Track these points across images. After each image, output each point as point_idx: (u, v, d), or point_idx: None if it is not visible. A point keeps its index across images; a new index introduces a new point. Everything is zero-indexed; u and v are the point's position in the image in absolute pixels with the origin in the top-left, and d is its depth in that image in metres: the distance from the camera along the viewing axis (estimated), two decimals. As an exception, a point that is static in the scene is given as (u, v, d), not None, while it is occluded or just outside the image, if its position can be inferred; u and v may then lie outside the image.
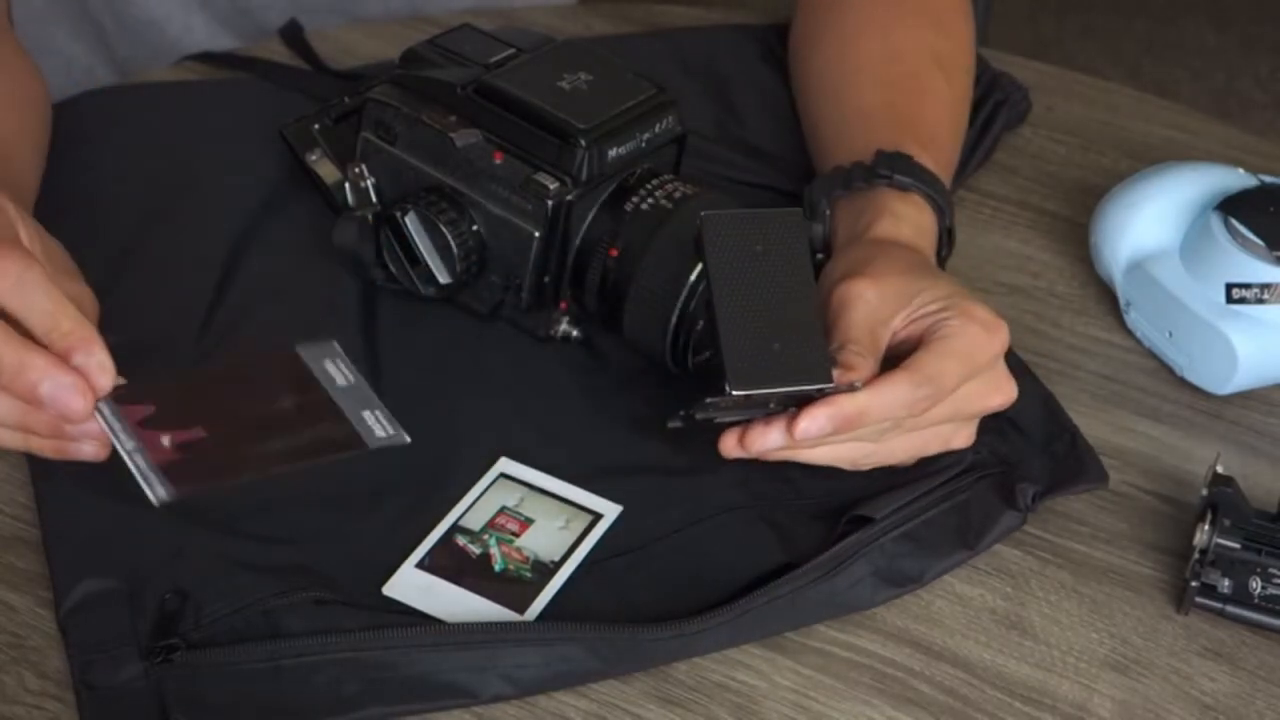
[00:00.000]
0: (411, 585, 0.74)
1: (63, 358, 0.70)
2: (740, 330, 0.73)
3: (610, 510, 0.78)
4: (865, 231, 0.85)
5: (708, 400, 0.72)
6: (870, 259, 0.81)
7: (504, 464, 0.80)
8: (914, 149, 0.88)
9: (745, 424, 0.74)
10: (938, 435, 0.79)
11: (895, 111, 0.94)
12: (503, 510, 0.78)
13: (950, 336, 0.76)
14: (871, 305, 0.78)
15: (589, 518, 0.78)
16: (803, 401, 0.73)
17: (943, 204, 0.87)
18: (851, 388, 0.73)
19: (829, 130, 0.97)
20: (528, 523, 0.78)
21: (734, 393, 0.72)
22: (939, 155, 0.91)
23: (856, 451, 0.77)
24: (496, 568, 0.75)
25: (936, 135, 0.93)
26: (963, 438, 0.80)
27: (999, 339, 0.77)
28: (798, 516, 0.79)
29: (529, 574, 0.75)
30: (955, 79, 0.98)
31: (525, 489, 0.79)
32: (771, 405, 0.73)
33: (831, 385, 0.73)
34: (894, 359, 0.77)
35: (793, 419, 0.73)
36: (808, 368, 0.73)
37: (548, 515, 0.78)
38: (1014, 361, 0.89)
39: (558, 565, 0.76)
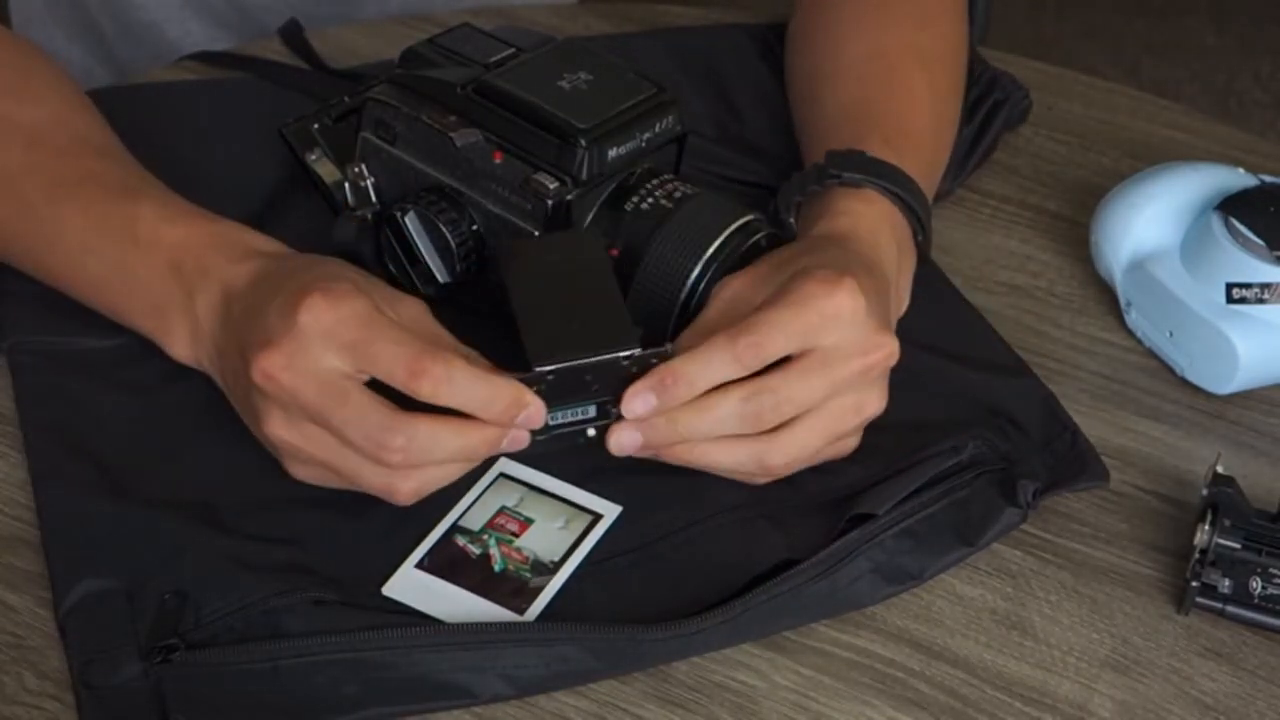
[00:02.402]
0: (411, 585, 0.74)
1: (505, 424, 0.73)
2: (538, 320, 0.75)
3: (610, 510, 0.78)
4: (804, 235, 0.85)
5: (520, 378, 0.73)
6: (760, 260, 0.81)
7: (503, 464, 0.80)
8: (876, 145, 0.88)
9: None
10: (840, 409, 0.77)
11: (866, 109, 0.94)
12: (502, 510, 0.78)
13: (781, 295, 0.76)
14: (730, 293, 0.78)
15: (589, 518, 0.78)
16: (625, 384, 0.74)
17: (901, 193, 0.86)
18: (663, 352, 0.74)
19: (808, 132, 0.97)
20: (527, 523, 0.78)
21: (536, 369, 0.73)
22: (912, 149, 0.91)
23: (752, 449, 0.76)
24: (496, 568, 0.75)
25: (910, 130, 0.93)
26: (872, 402, 0.78)
27: (838, 291, 0.75)
28: (797, 513, 0.79)
29: (529, 574, 0.75)
30: (939, 74, 0.98)
31: (524, 489, 0.79)
32: (594, 390, 0.74)
33: (638, 351, 0.73)
34: None
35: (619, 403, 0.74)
36: (610, 336, 0.74)
37: (547, 515, 0.78)
38: (1014, 361, 0.89)
39: (558, 565, 0.76)
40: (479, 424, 0.72)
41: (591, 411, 0.75)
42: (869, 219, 0.85)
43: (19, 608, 0.73)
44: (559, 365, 0.73)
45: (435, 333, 0.76)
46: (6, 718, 0.69)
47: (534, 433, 0.74)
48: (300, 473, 0.75)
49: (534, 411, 0.73)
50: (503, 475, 0.80)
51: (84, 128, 0.90)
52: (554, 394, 0.73)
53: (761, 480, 0.78)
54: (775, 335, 0.74)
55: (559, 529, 0.77)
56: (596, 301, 0.76)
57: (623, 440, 0.75)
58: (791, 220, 0.87)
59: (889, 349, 0.77)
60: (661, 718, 0.72)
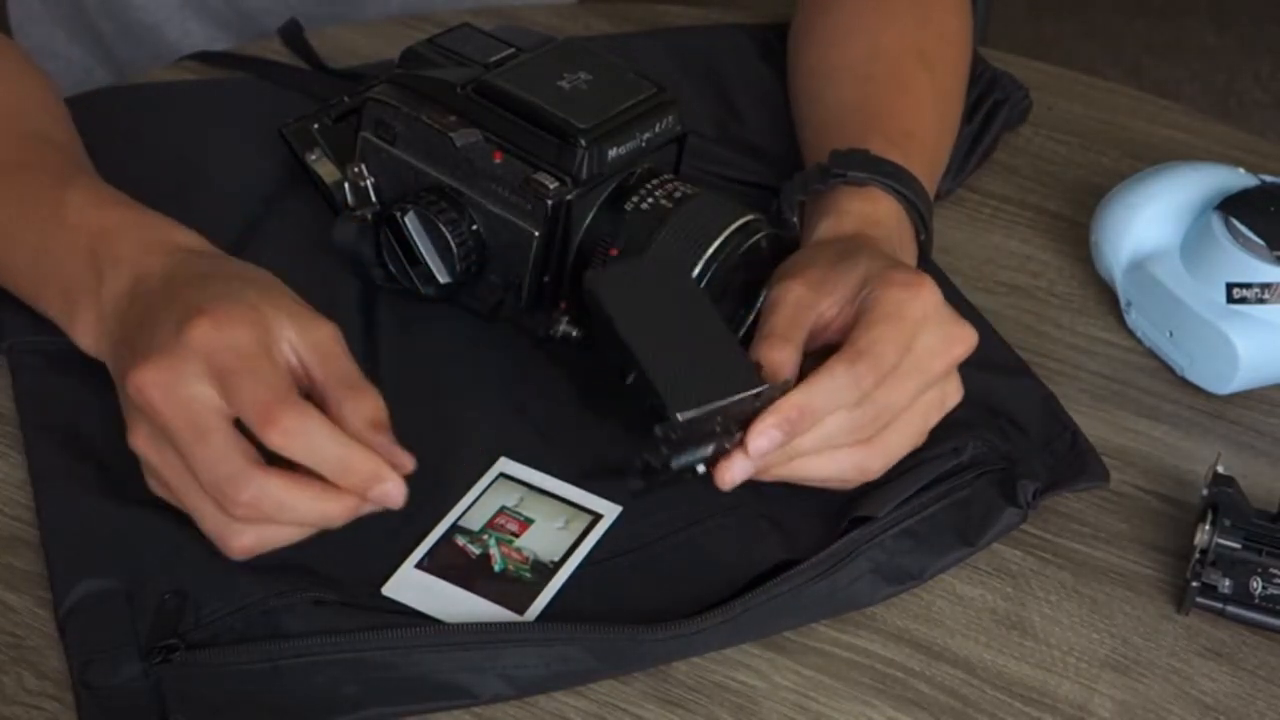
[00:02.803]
0: (411, 585, 0.74)
1: (359, 496, 0.70)
2: (663, 363, 0.73)
3: (610, 510, 0.78)
4: (811, 235, 0.85)
5: (657, 433, 0.71)
6: (798, 261, 0.81)
7: (503, 464, 0.80)
8: (879, 144, 0.88)
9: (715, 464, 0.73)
10: (927, 406, 0.78)
11: (868, 108, 0.94)
12: (502, 510, 0.78)
13: (873, 306, 0.76)
14: (794, 298, 0.77)
15: (589, 518, 0.78)
16: (747, 421, 0.73)
17: (905, 191, 0.87)
18: (786, 385, 0.73)
19: (809, 131, 0.97)
20: (527, 523, 0.78)
21: (679, 417, 0.71)
22: (916, 148, 0.91)
23: (853, 457, 0.76)
24: (496, 568, 0.75)
25: (913, 129, 0.93)
26: (953, 393, 0.79)
27: (922, 293, 0.76)
28: (798, 514, 0.79)
29: (529, 574, 0.75)
30: (941, 73, 0.98)
31: (525, 489, 0.79)
32: (717, 429, 0.72)
33: (765, 387, 0.73)
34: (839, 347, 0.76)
35: (744, 440, 0.72)
36: (735, 378, 0.73)
37: (547, 515, 0.78)
38: (1014, 361, 0.89)
39: (558, 565, 0.76)
40: (336, 492, 0.69)
41: (709, 451, 0.73)
42: (872, 218, 0.85)
43: (19, 608, 0.73)
44: (698, 411, 0.71)
45: (341, 368, 0.72)
46: (6, 718, 0.69)
47: (657, 474, 0.72)
48: (155, 488, 0.73)
49: (392, 490, 0.69)
50: (503, 475, 0.80)
51: (33, 119, 0.89)
52: (685, 439, 0.72)
53: (855, 484, 0.78)
54: (888, 353, 0.75)
55: (559, 529, 0.77)
56: (712, 339, 0.74)
57: (735, 474, 0.72)
58: (795, 219, 0.87)
59: (970, 340, 0.78)
60: (661, 718, 0.72)
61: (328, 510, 0.70)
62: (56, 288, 0.80)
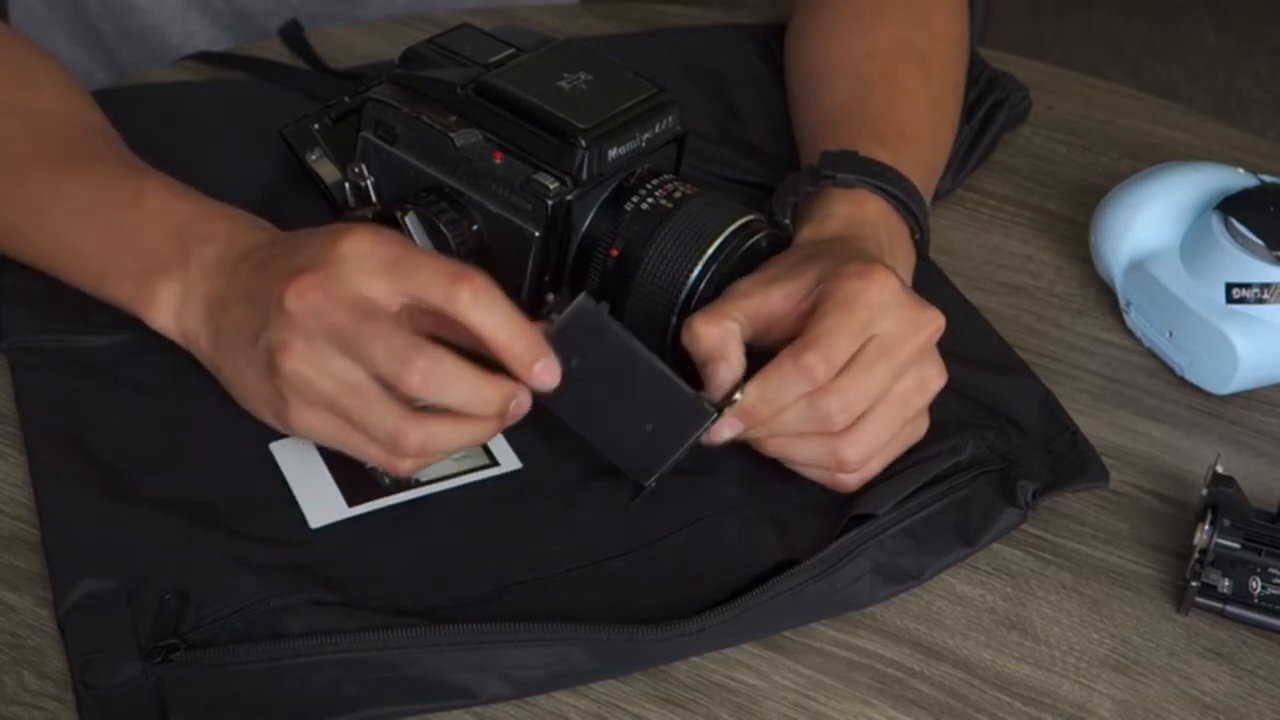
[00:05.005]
0: (294, 451, 0.78)
1: (523, 370, 0.73)
2: (614, 437, 0.76)
3: (510, 462, 0.79)
4: (796, 239, 0.85)
5: (636, 495, 0.76)
6: (761, 267, 0.81)
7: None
8: (870, 144, 0.88)
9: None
10: (905, 393, 0.78)
11: (862, 109, 0.94)
12: None
13: (826, 298, 0.76)
14: (742, 287, 0.78)
15: (485, 460, 0.79)
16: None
17: (895, 191, 0.86)
18: (738, 401, 0.75)
19: (804, 133, 0.97)
20: None
21: (648, 484, 0.76)
22: (909, 148, 0.91)
23: (827, 445, 0.77)
24: (367, 465, 0.76)
25: (905, 128, 0.93)
26: (934, 377, 0.79)
27: (875, 280, 0.76)
28: (798, 513, 0.79)
29: (387, 481, 0.77)
30: (938, 73, 0.98)
31: None
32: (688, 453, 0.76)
33: (714, 415, 0.75)
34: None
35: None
36: (684, 418, 0.75)
37: None
38: (1014, 361, 0.89)
39: (415, 485, 0.77)
40: (500, 376, 0.73)
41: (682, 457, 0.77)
42: (858, 221, 0.85)
43: (19, 608, 0.73)
44: (663, 470, 0.76)
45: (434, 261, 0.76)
46: (6, 718, 0.69)
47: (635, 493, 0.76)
48: (304, 419, 0.74)
49: (552, 365, 0.73)
50: None
51: (87, 117, 0.90)
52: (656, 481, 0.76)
53: (842, 478, 0.78)
54: (839, 342, 0.75)
55: (453, 459, 0.78)
56: (650, 383, 0.75)
57: (714, 440, 0.76)
58: (788, 222, 0.87)
59: (937, 321, 0.78)
60: (661, 718, 0.72)
61: (488, 392, 0.72)
62: (130, 270, 0.81)
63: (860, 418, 0.76)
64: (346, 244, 0.73)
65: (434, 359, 0.71)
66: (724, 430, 0.76)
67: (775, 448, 0.78)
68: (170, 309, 0.80)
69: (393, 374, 0.71)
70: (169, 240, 0.80)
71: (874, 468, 0.79)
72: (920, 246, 0.89)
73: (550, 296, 0.76)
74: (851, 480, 0.78)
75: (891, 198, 0.86)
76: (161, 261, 0.80)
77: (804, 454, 0.78)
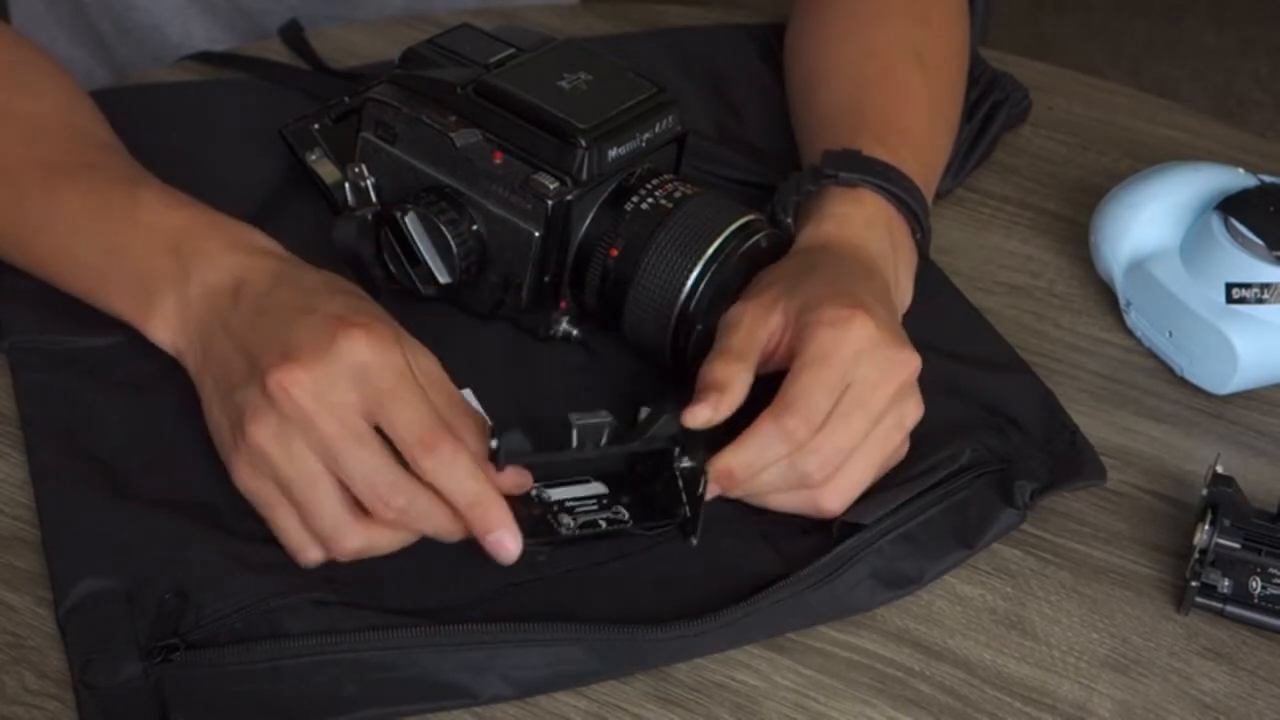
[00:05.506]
0: None
1: (479, 533, 0.72)
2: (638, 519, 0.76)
3: None
4: (796, 238, 0.85)
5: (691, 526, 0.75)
6: (763, 277, 0.81)
7: (464, 394, 0.80)
8: (870, 143, 0.88)
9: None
10: (884, 434, 0.77)
11: (862, 109, 0.94)
12: None
13: (802, 350, 0.76)
14: (749, 319, 0.78)
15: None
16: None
17: (896, 190, 0.86)
18: (701, 470, 0.74)
19: (803, 133, 0.97)
20: None
21: (693, 541, 0.74)
22: (909, 147, 0.91)
23: (808, 498, 0.77)
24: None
25: (905, 128, 0.93)
26: (911, 411, 0.79)
27: (852, 329, 0.76)
28: (797, 528, 0.78)
29: None
30: (937, 74, 0.98)
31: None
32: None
33: (691, 465, 0.74)
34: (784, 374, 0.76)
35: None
36: (681, 491, 0.75)
37: None
38: (1013, 359, 0.89)
39: None
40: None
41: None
42: (858, 221, 0.85)
43: (19, 608, 0.73)
44: (700, 528, 0.75)
45: (450, 396, 0.75)
46: (6, 718, 0.69)
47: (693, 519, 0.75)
48: (249, 481, 0.73)
49: (508, 543, 0.72)
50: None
51: (85, 123, 0.90)
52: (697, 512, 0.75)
53: (824, 513, 0.78)
54: (816, 400, 0.75)
55: None
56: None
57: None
58: (790, 221, 0.87)
59: (913, 364, 0.78)
60: (661, 718, 0.72)
61: (454, 530, 0.72)
62: (129, 282, 0.81)
63: (836, 471, 0.76)
64: (344, 345, 0.72)
65: (412, 498, 0.71)
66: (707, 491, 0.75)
67: (754, 500, 0.78)
68: (166, 324, 0.80)
69: (368, 503, 0.71)
70: (165, 254, 0.80)
71: (854, 498, 0.78)
72: (921, 246, 0.89)
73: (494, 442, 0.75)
74: (833, 512, 0.78)
75: (893, 197, 0.86)
76: (159, 277, 0.80)
77: (784, 503, 0.78)
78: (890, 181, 0.86)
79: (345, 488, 0.72)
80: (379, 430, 0.72)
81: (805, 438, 0.74)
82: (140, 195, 0.83)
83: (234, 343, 0.76)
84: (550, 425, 0.74)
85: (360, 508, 0.72)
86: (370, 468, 0.71)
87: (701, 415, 0.74)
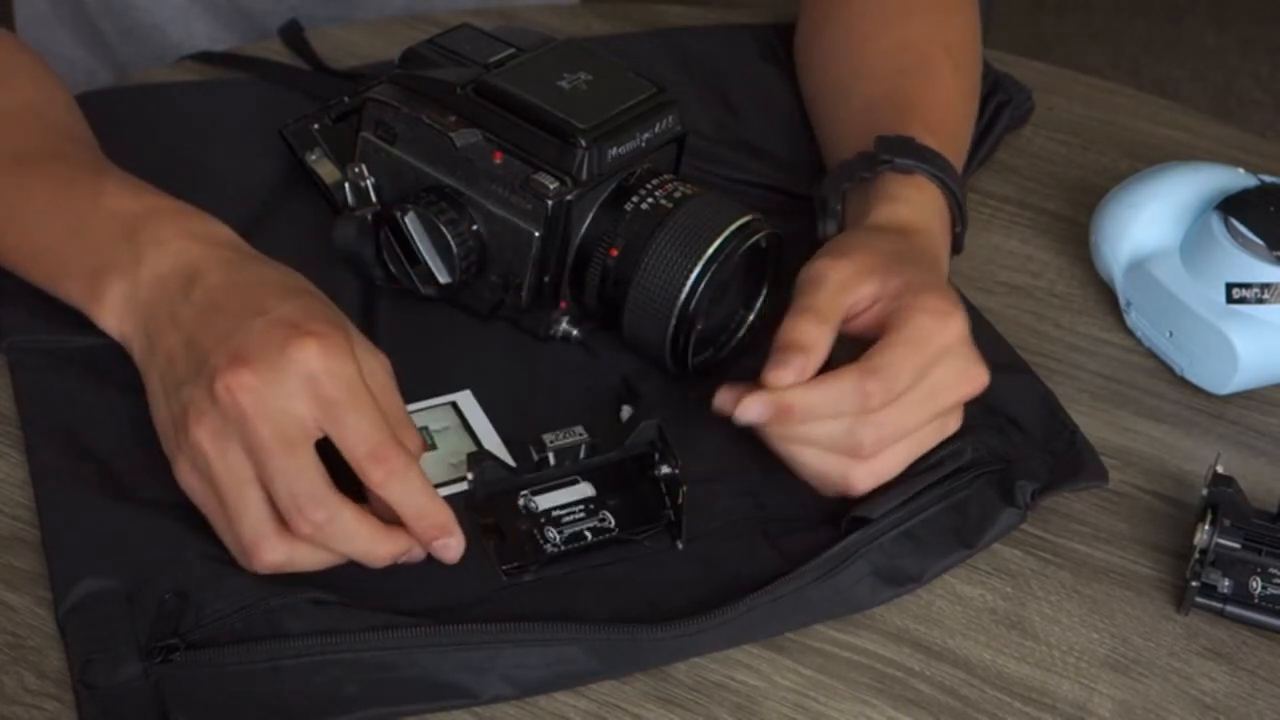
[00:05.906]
0: None
1: (426, 544, 0.73)
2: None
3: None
4: (864, 219, 0.85)
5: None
6: (849, 241, 0.81)
7: (462, 395, 0.80)
8: (919, 132, 0.88)
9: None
10: (926, 434, 0.78)
11: (902, 98, 0.94)
12: (423, 429, 0.79)
13: (899, 326, 0.76)
14: (840, 278, 0.78)
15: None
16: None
17: (949, 181, 0.87)
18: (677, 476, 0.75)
19: (837, 126, 0.97)
20: (431, 448, 0.79)
21: (679, 546, 0.76)
22: (948, 139, 0.91)
23: (842, 465, 0.76)
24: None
25: (945, 120, 0.93)
26: (952, 424, 0.79)
27: (950, 326, 0.77)
28: (794, 526, 0.78)
29: None
30: (964, 69, 0.98)
31: (459, 423, 0.80)
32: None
33: (649, 439, 0.76)
34: (862, 347, 0.76)
35: (738, 399, 0.75)
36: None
37: (453, 450, 0.79)
38: (1014, 360, 0.89)
39: None
40: (396, 534, 0.72)
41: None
42: (924, 207, 0.85)
43: (19, 608, 0.73)
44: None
45: (397, 407, 0.75)
46: (6, 718, 0.69)
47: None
48: (188, 478, 0.73)
49: (454, 545, 0.72)
50: (453, 404, 0.82)
51: (58, 115, 0.90)
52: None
53: (842, 492, 0.78)
54: (902, 376, 0.75)
55: (451, 464, 0.78)
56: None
57: (740, 417, 0.75)
58: (838, 207, 0.86)
59: (983, 380, 0.79)
60: (661, 718, 0.72)
61: (378, 549, 0.72)
62: (83, 267, 0.80)
63: (883, 449, 0.77)
64: (296, 353, 0.70)
65: (331, 515, 0.70)
66: (751, 410, 0.74)
67: (788, 451, 0.77)
68: (114, 309, 0.79)
69: (286, 513, 0.71)
70: (121, 239, 0.79)
71: (882, 483, 0.78)
72: (958, 240, 0.89)
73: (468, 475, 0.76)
74: (859, 490, 0.78)
75: (945, 187, 0.87)
76: (112, 262, 0.79)
77: (816, 466, 0.77)
78: (944, 171, 0.87)
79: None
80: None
81: (876, 406, 0.75)
82: (104, 182, 0.82)
83: (182, 336, 0.75)
84: (536, 428, 0.76)
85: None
86: (294, 478, 0.70)
87: (786, 378, 0.74)
